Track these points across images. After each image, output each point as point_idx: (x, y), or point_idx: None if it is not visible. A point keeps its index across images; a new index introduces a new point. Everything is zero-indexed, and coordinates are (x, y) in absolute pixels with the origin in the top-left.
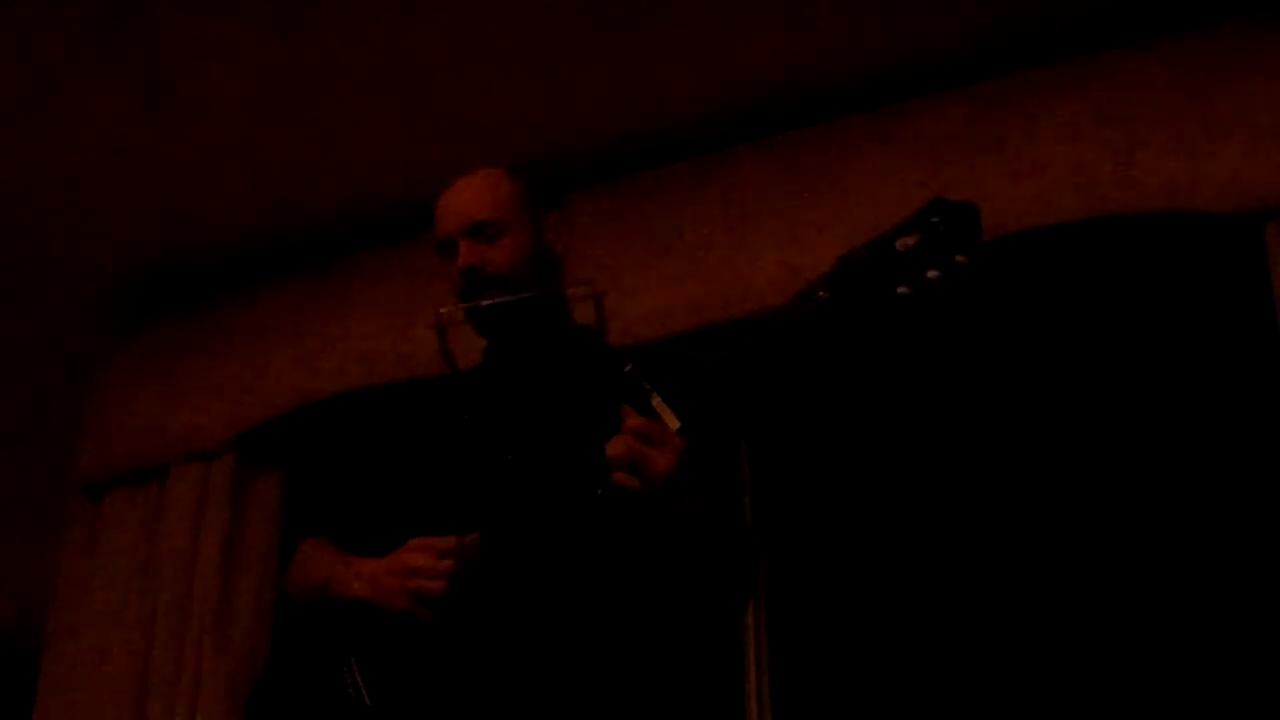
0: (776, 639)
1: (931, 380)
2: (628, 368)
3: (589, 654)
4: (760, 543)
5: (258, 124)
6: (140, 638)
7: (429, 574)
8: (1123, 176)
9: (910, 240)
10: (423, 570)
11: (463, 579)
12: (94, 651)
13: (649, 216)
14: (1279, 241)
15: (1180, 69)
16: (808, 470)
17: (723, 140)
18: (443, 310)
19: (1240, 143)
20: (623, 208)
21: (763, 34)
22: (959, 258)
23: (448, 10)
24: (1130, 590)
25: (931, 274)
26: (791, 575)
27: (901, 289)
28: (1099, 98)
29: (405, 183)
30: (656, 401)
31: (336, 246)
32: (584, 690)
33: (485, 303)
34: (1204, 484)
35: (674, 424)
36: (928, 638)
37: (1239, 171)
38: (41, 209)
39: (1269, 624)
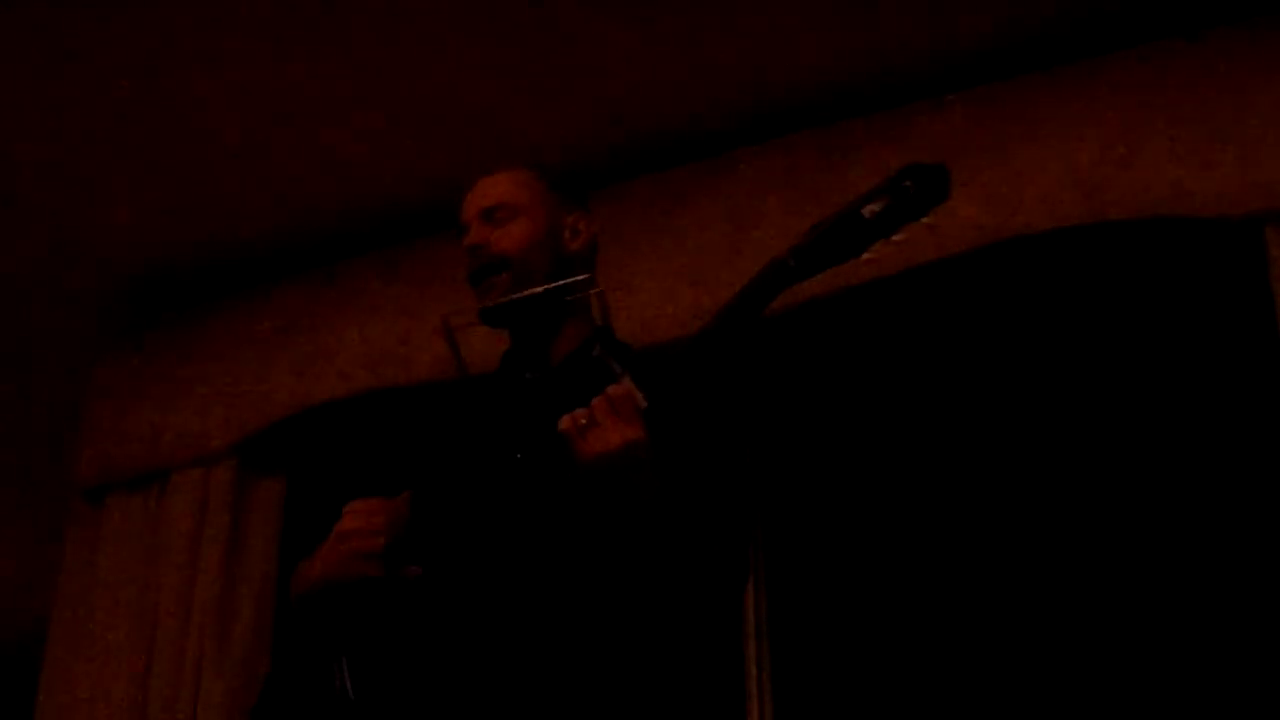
0: (778, 636)
1: (932, 381)
2: (596, 351)
3: (569, 646)
4: (758, 536)
5: (259, 128)
6: (141, 642)
7: (363, 535)
8: (1123, 180)
9: (877, 206)
10: (356, 532)
11: (409, 530)
12: (95, 654)
13: (649, 221)
14: (1279, 246)
15: (1181, 73)
16: (809, 464)
17: (724, 144)
18: (449, 316)
19: (1240, 147)
20: (623, 212)
21: (763, 38)
22: (925, 220)
23: (448, 15)
24: (1127, 591)
25: (897, 238)
26: (793, 571)
27: (867, 256)
28: (1100, 102)
29: (407, 187)
30: (626, 381)
31: (338, 251)
32: (567, 682)
33: (490, 304)
34: (1205, 488)
35: (641, 404)
36: (929, 633)
37: (1239, 175)
38: (42, 212)
39: (1269, 626)
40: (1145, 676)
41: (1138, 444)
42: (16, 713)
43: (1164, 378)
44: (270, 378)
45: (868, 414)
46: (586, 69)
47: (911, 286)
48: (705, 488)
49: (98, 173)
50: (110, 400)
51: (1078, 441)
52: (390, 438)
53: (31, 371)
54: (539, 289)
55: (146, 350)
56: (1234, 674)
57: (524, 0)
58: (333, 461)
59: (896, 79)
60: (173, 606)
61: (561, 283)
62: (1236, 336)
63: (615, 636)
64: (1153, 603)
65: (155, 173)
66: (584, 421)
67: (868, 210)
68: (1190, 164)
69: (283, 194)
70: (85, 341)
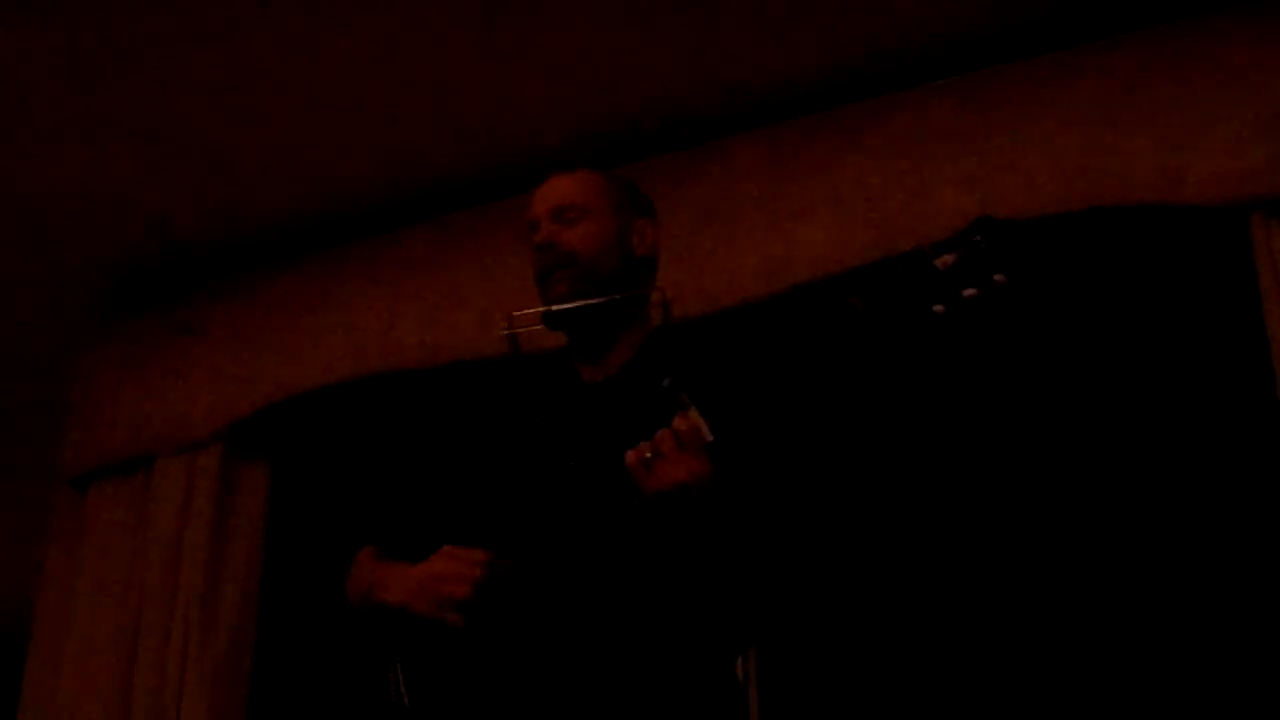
0: (768, 650)
1: (915, 371)
2: (666, 382)
3: (613, 664)
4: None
5: (244, 116)
6: (126, 628)
7: (456, 581)
8: (1109, 168)
9: (950, 258)
10: (450, 577)
11: (496, 589)
12: (80, 642)
13: None
14: (1264, 232)
15: (1166, 62)
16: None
17: (707, 133)
18: (515, 314)
19: (1225, 135)
20: None
21: (749, 28)
22: (997, 277)
23: (439, 2)
24: (1112, 581)
25: (968, 293)
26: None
27: (937, 307)
28: (1086, 90)
29: (393, 174)
30: (694, 414)
31: (322, 239)
32: (606, 700)
33: (556, 308)
34: (1190, 475)
35: (707, 437)
36: (921, 646)
37: (1224, 163)
38: (29, 199)
39: (1251, 615)
40: (1144, 687)
41: (1123, 431)
42: (2, 697)
43: (1149, 364)
44: (255, 365)
45: (850, 406)
46: (572, 59)
47: None
48: (765, 522)
49: (83, 162)
50: (95, 388)
51: (1063, 428)
52: (404, 422)
53: (17, 358)
54: (604, 299)
55: (131, 338)
56: (1227, 673)
57: None
58: (318, 448)
59: (883, 68)
60: (158, 592)
61: (632, 292)
62: (1222, 322)
63: (655, 653)
64: (1145, 600)
65: (140, 163)
66: (649, 455)
67: (940, 262)
68: (1176, 151)
69: (268, 183)
70: (70, 329)
